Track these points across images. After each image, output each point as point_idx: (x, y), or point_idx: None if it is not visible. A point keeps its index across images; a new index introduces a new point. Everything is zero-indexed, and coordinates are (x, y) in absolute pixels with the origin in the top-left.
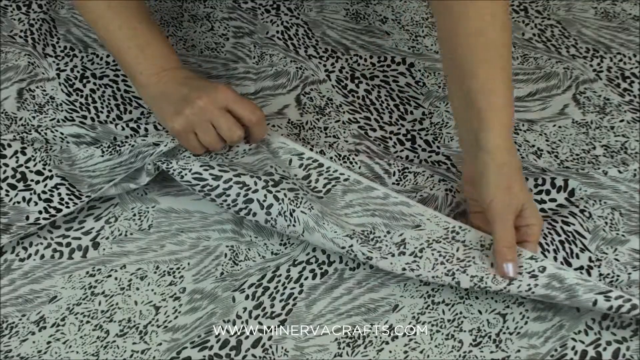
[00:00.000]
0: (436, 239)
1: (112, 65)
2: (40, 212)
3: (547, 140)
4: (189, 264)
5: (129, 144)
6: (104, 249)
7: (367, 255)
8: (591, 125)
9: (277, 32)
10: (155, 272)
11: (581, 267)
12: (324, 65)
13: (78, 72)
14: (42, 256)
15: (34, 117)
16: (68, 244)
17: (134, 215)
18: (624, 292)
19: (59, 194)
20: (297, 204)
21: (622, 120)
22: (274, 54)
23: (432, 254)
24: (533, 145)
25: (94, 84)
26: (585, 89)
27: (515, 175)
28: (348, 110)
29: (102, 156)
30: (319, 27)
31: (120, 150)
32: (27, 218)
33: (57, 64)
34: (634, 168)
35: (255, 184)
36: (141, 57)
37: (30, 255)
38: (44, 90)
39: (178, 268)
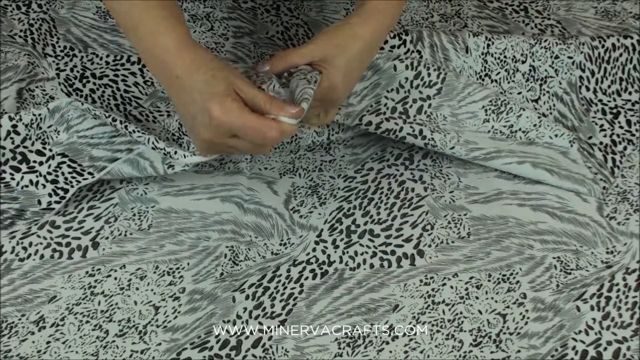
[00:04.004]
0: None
1: (112, 65)
2: (50, 195)
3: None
4: (188, 264)
5: (122, 123)
6: (103, 249)
7: None
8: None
9: (277, 32)
10: (154, 272)
11: None
12: None
13: (78, 72)
14: (42, 256)
15: None
16: (68, 244)
17: (134, 215)
18: None
19: (62, 173)
20: None
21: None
22: (273, 54)
23: None
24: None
25: (94, 84)
26: None
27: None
28: None
29: (95, 118)
30: (319, 27)
31: (114, 123)
32: (40, 202)
33: (57, 64)
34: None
35: None
36: (136, 41)
37: (29, 255)
38: (44, 90)
39: (178, 268)
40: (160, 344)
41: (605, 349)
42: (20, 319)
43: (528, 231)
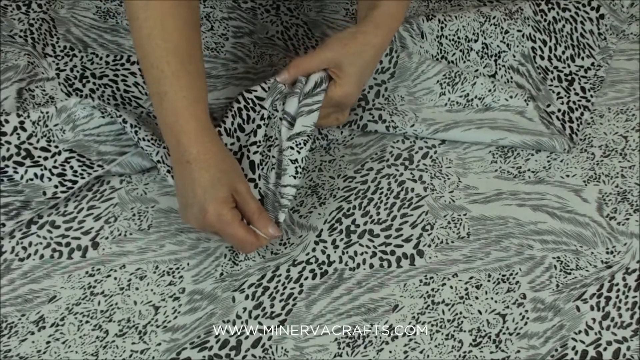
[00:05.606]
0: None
1: (112, 65)
2: (56, 187)
3: None
4: (188, 264)
5: (123, 119)
6: (103, 249)
7: None
8: None
9: (277, 32)
10: (154, 272)
11: None
12: None
13: (77, 72)
14: (42, 256)
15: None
16: (67, 244)
17: (134, 215)
18: None
19: (71, 167)
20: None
21: None
22: (273, 54)
23: None
24: None
25: (94, 83)
26: None
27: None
28: None
29: (103, 117)
30: (319, 27)
31: (118, 119)
32: (45, 193)
33: (57, 64)
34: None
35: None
36: (157, 109)
37: (29, 255)
38: (44, 90)
39: (177, 268)
40: (160, 344)
41: (605, 349)
42: (20, 319)
43: (528, 231)
